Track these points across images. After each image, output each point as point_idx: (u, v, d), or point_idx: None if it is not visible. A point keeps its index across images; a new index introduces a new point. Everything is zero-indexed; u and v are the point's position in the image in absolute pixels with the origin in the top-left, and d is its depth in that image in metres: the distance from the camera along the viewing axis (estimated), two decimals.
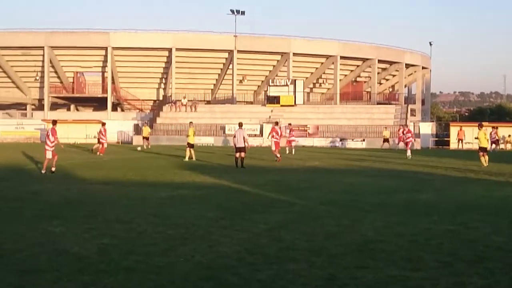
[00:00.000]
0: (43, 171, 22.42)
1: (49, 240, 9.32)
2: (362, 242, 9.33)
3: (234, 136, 27.27)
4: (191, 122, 36.19)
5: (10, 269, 7.45)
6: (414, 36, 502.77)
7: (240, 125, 27.95)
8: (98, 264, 7.75)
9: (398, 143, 54.85)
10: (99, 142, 39.37)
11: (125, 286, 6.76)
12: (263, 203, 14.32)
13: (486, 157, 27.93)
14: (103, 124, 41.30)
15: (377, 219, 11.63)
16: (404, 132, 38.73)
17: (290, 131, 45.53)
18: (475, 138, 29.38)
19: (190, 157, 31.67)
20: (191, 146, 32.34)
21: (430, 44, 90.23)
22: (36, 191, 16.45)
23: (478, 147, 29.05)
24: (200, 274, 7.27)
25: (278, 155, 31.69)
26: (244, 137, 26.74)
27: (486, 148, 28.52)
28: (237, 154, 26.60)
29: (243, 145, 26.62)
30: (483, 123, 33.21)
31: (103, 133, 38.68)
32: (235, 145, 26.97)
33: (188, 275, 7.26)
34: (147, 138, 51.22)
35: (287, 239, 9.60)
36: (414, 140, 43.64)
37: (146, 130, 53.01)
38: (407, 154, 35.49)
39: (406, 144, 37.15)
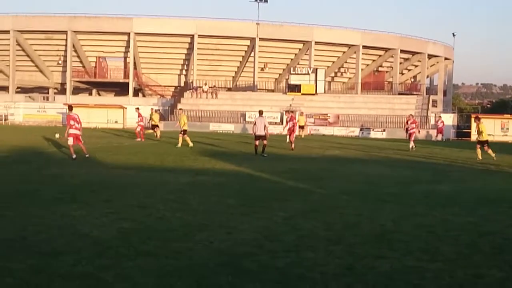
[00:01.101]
0: (87, 155, 22.13)
1: (69, 223, 9.41)
2: (381, 232, 9.33)
3: (255, 124, 27.17)
4: (181, 109, 36.17)
5: (31, 251, 7.53)
6: (437, 26, 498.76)
7: (261, 113, 27.87)
8: (117, 248, 7.82)
9: (437, 135, 54.76)
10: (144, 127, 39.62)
11: (143, 270, 6.81)
12: (282, 191, 14.35)
13: (479, 150, 26.93)
14: (137, 108, 41.17)
15: (395, 209, 11.62)
16: (409, 122, 36.67)
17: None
18: (480, 131, 28.12)
19: (185, 144, 31.05)
20: (184, 132, 31.84)
21: (453, 35, 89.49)
22: (57, 175, 16.59)
23: (477, 140, 27.87)
24: (218, 260, 7.31)
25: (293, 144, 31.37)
26: (264, 125, 26.78)
27: (487, 141, 27.24)
28: (257, 142, 26.64)
29: (263, 133, 26.57)
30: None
31: (141, 118, 39.22)
32: (255, 133, 26.90)
33: (207, 260, 7.30)
34: (157, 126, 44.00)
35: (305, 227, 9.62)
36: (419, 131, 41.60)
37: (156, 117, 45.60)
38: (410, 146, 34.11)
39: (410, 135, 35.44)
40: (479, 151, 26.79)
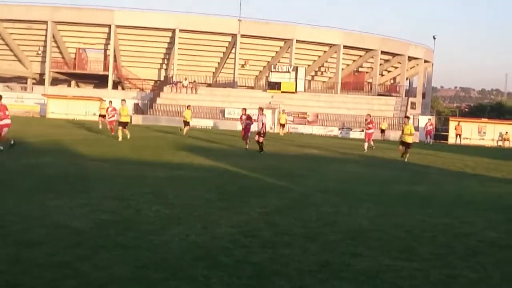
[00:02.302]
0: (1, 148, 20.34)
1: (46, 214, 9.36)
2: (357, 231, 9.38)
3: (256, 120, 28.15)
4: (123, 100, 33.05)
5: (8, 241, 7.49)
6: (418, 29, 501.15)
7: (262, 109, 29.03)
8: (94, 239, 7.80)
9: (427, 138, 54.27)
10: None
11: (120, 261, 6.80)
12: (260, 187, 14.38)
13: (407, 153, 26.19)
14: (110, 102, 39.01)
15: (373, 208, 11.67)
16: (366, 123, 34.86)
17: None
18: (402, 132, 26.79)
19: (124, 137, 29.91)
20: (123, 125, 30.33)
21: (434, 38, 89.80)
22: (34, 165, 16.48)
23: (400, 141, 27.00)
24: (194, 254, 7.32)
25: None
26: (263, 122, 27.67)
27: (409, 144, 26.43)
28: (258, 138, 27.52)
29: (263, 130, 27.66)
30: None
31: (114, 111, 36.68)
32: (258, 130, 27.76)
33: (182, 254, 7.30)
34: (103, 116, 41.23)
35: (282, 224, 9.65)
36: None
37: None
38: (365, 147, 32.71)
39: (368, 135, 34.05)
40: (400, 152, 26.19)
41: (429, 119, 57.74)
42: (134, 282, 6.12)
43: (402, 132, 26.77)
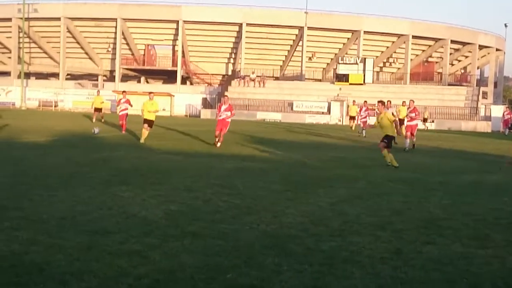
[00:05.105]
0: None
1: (117, 204, 9.51)
2: (429, 219, 9.24)
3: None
4: (151, 93, 28.04)
5: (80, 230, 7.64)
6: (489, 16, 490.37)
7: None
8: (164, 228, 7.89)
9: (504, 127, 52.52)
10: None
11: (190, 249, 6.86)
12: (327, 178, 14.30)
13: (389, 152, 17.72)
14: (124, 92, 34.61)
15: (444, 197, 11.49)
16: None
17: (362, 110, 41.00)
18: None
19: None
20: (149, 124, 24.69)
21: (505, 26, 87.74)
22: (105, 158, 16.78)
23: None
24: (264, 242, 7.33)
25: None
26: None
27: (391, 138, 18.32)
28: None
29: None
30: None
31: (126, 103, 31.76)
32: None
33: (253, 242, 7.32)
34: (99, 110, 40.66)
35: (351, 213, 9.58)
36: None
37: (97, 100, 41.35)
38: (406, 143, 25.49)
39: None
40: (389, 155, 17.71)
41: (507, 108, 55.99)
42: (204, 269, 6.15)
43: (378, 123, 18.79)
